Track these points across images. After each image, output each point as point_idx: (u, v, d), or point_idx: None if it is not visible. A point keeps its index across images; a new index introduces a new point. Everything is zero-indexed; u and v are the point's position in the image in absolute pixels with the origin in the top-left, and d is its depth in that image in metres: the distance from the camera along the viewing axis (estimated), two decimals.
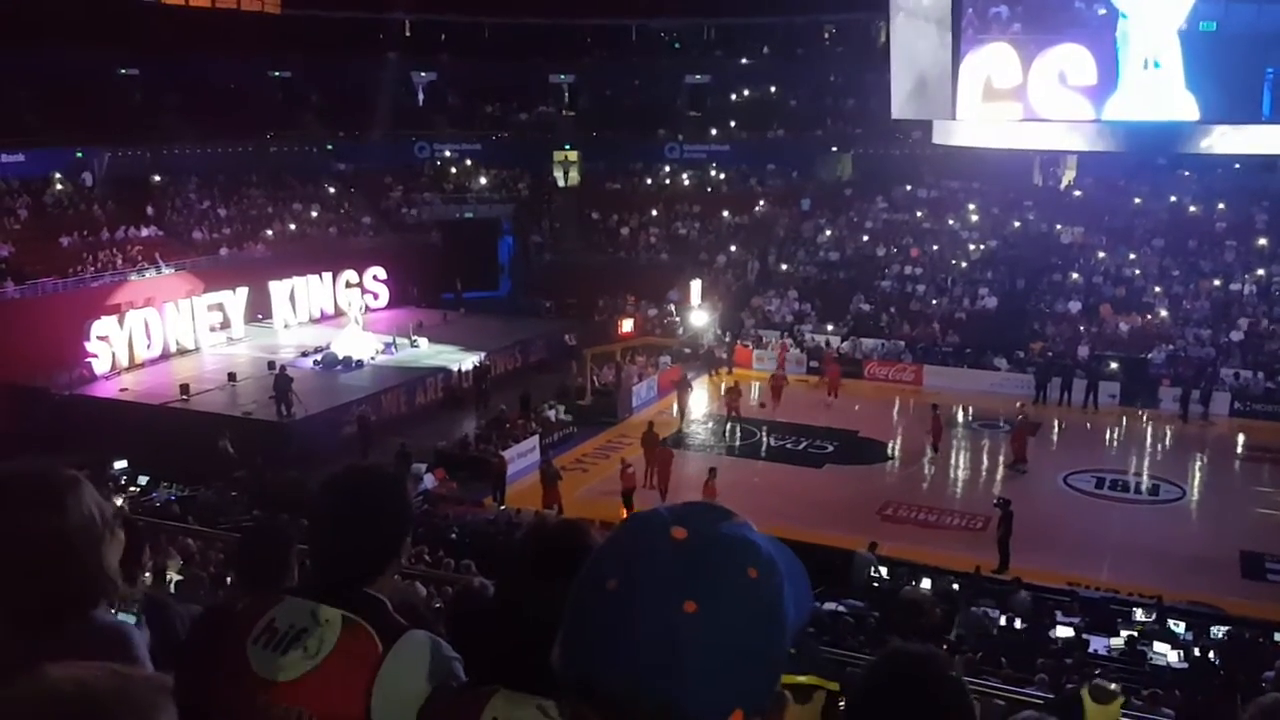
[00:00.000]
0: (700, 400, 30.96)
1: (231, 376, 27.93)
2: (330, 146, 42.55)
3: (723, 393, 29.18)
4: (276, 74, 43.70)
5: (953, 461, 25.80)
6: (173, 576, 12.30)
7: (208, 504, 20.08)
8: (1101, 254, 35.10)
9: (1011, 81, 24.17)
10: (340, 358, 29.83)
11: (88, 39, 33.58)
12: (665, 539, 1.07)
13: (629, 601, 1.04)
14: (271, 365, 27.66)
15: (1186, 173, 37.22)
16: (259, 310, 33.32)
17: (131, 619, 2.55)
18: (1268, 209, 35.27)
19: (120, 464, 21.53)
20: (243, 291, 32.19)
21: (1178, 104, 23.07)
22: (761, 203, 42.64)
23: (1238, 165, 35.71)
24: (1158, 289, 33.13)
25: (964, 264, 36.26)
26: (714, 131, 45.92)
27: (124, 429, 23.83)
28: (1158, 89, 23.10)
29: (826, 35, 46.21)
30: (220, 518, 19.11)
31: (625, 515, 20.46)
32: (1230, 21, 23.04)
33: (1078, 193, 39.41)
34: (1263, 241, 33.93)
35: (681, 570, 1.04)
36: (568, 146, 46.24)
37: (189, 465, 21.61)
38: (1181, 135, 24.07)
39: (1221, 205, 36.15)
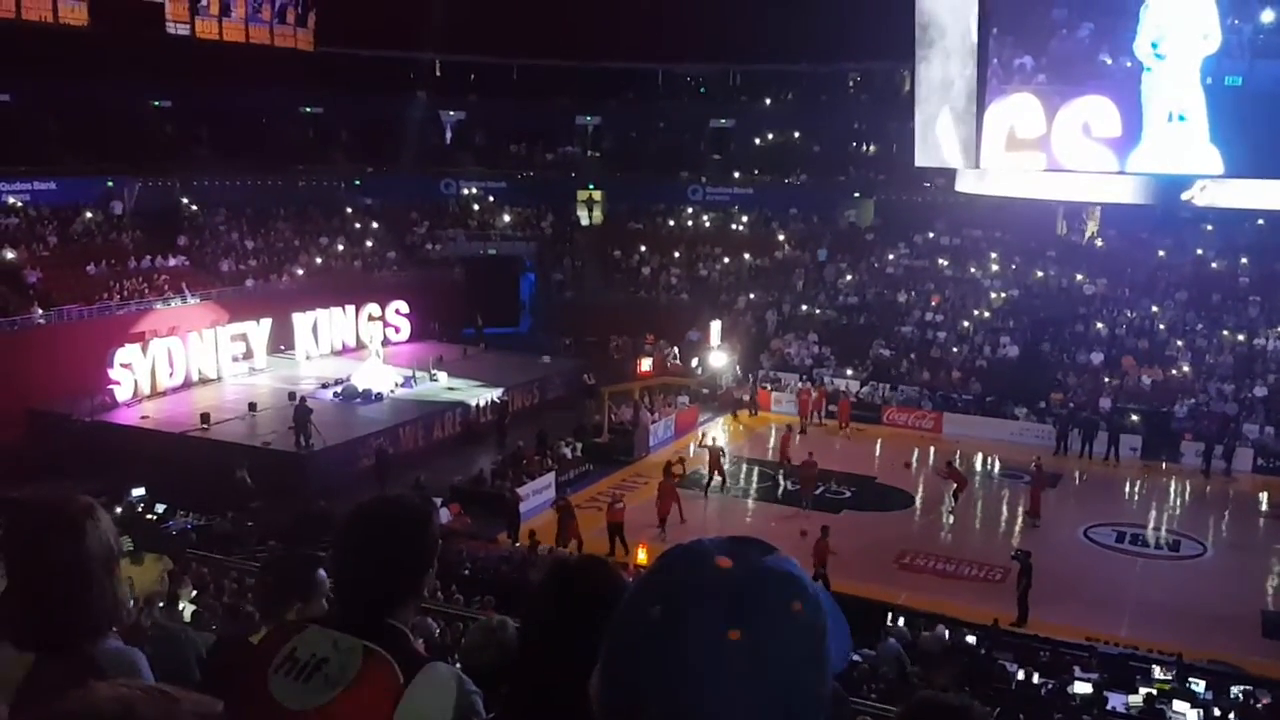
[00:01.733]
0: (719, 441, 30.91)
1: (252, 406, 28.07)
2: (358, 182, 43.05)
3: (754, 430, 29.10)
4: (307, 109, 44.36)
5: (972, 511, 25.57)
6: (186, 605, 12.35)
7: (224, 534, 20.16)
8: (1130, 312, 34.87)
9: (1035, 131, 24.25)
10: (360, 390, 29.96)
11: (122, 71, 34.20)
12: (710, 568, 1.08)
13: (672, 628, 1.04)
14: (292, 396, 27.78)
15: (1209, 227, 37.07)
16: (282, 341, 33.54)
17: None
18: None
19: (138, 491, 21.65)
20: (266, 322, 32.42)
21: (1202, 157, 23.07)
22: (783, 246, 42.74)
23: (1261, 221, 35.55)
24: (1180, 343, 32.92)
25: (985, 312, 36.17)
26: (737, 175, 46.20)
27: (144, 456, 23.99)
28: (1182, 142, 23.12)
29: (851, 83, 46.54)
30: (236, 548, 19.19)
31: (613, 551, 20.54)
32: (1256, 77, 23.08)
33: (1100, 243, 39.34)
34: None
35: (726, 598, 1.05)
36: (591, 186, 46.59)
37: (206, 494, 21.70)
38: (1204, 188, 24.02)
39: (1244, 260, 35.98)
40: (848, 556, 20.82)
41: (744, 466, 28.21)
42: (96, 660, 1.95)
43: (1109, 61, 24.11)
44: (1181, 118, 23.25)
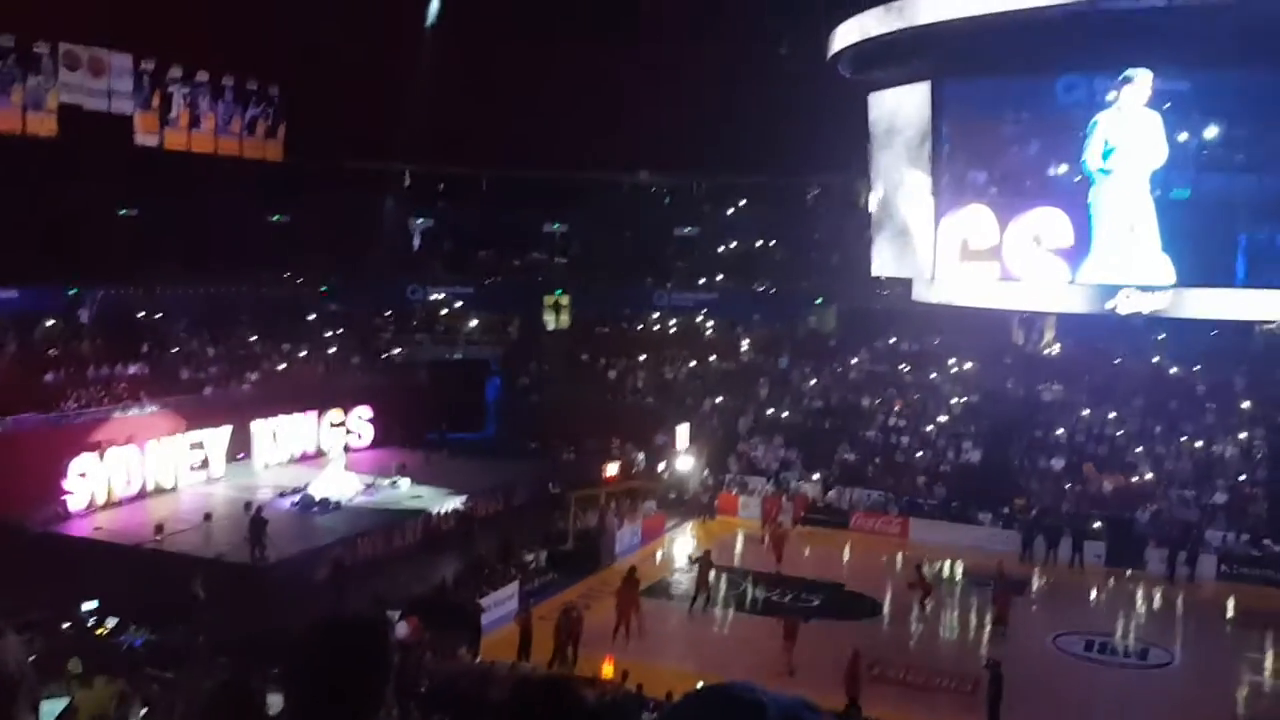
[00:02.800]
0: (686, 548, 30.73)
1: (207, 516, 27.51)
2: (323, 288, 43.12)
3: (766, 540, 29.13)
4: (275, 218, 44.64)
5: (941, 620, 25.36)
6: None
7: (175, 649, 19.52)
8: (1086, 412, 35.33)
9: (988, 242, 24.82)
10: (318, 499, 29.47)
11: (89, 181, 34.32)
12: (748, 701, 1.15)
13: None
14: (248, 506, 27.28)
15: (1162, 336, 37.87)
16: (240, 449, 33.08)
17: None
18: (1246, 373, 35.77)
19: (90, 605, 21.03)
20: (225, 430, 31.98)
21: (1153, 268, 23.67)
22: (749, 351, 43.16)
23: (1215, 331, 36.39)
24: (1139, 449, 33.27)
25: (946, 417, 36.47)
26: (701, 281, 46.86)
27: (96, 568, 23.37)
28: (1133, 253, 23.74)
29: (810, 194, 47.70)
30: (187, 663, 18.58)
31: (574, 661, 20.21)
32: (1202, 189, 23.82)
33: (1057, 347, 39.96)
34: (1246, 404, 34.26)
35: None
36: (559, 291, 46.98)
37: (160, 607, 21.09)
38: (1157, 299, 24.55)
39: (1197, 367, 36.66)
40: (819, 666, 20.53)
41: (711, 574, 27.82)
42: None
43: (1059, 173, 24.88)
44: (1132, 229, 23.93)
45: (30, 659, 2.01)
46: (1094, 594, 27.56)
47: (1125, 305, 23.62)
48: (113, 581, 22.20)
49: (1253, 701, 20.82)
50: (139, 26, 32.93)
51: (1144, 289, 23.36)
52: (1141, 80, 23.09)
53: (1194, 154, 23.93)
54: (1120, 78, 23.22)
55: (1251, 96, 23.13)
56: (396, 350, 42.36)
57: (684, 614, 25.08)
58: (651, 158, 45.00)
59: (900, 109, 26.19)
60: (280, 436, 34.16)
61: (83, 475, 27.65)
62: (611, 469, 34.29)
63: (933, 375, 38.85)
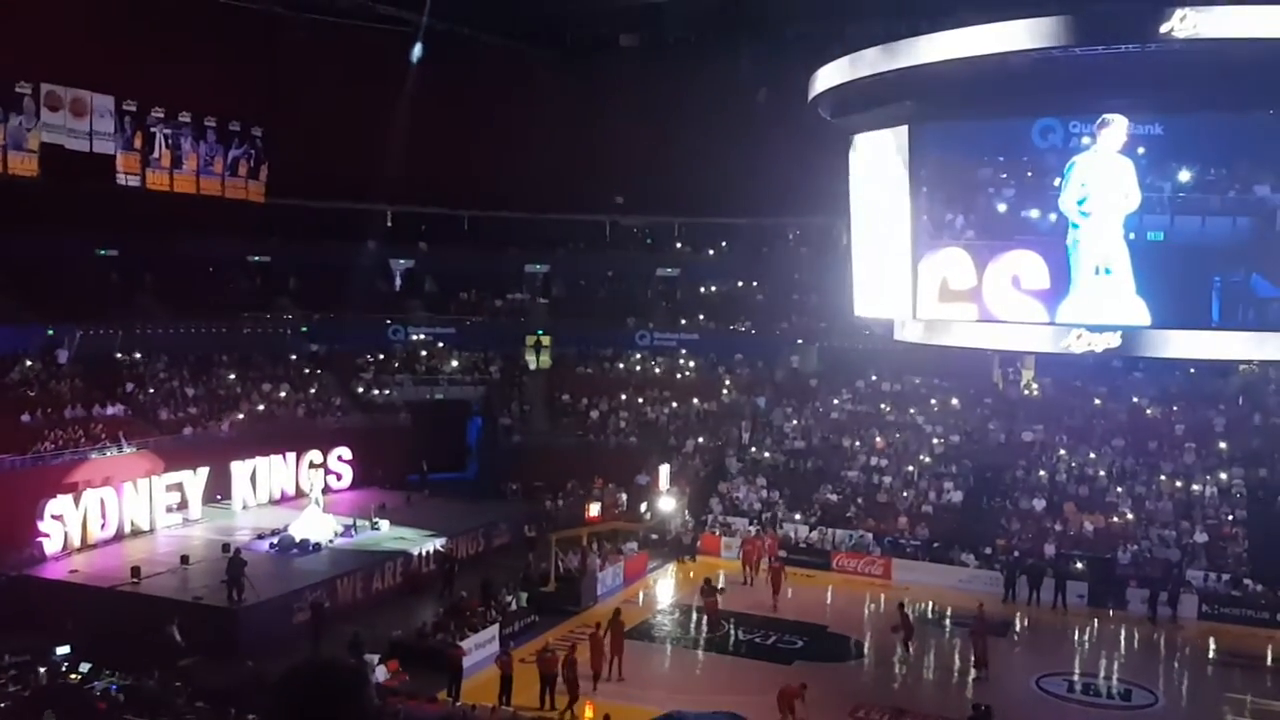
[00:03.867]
0: (668, 589, 30.58)
1: (184, 559, 27.18)
2: (305, 328, 43.03)
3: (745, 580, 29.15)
4: (256, 258, 44.60)
5: (925, 661, 25.25)
6: None
7: (150, 695, 19.23)
8: (1062, 452, 35.52)
9: (966, 284, 24.94)
10: (297, 541, 29.18)
11: (69, 220, 34.23)
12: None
13: None
14: (226, 548, 27.02)
15: (1138, 374, 38.15)
16: (219, 491, 32.77)
17: None
18: (1224, 413, 36.07)
19: (63, 650, 20.74)
20: (203, 471, 31.67)
21: (1129, 309, 23.84)
22: (728, 390, 43.19)
23: (1193, 370, 36.67)
24: (1119, 489, 33.40)
25: (928, 457, 36.55)
26: (683, 321, 46.99)
27: (71, 612, 23.08)
28: (1109, 294, 23.91)
29: (791, 236, 48.04)
30: (163, 710, 18.29)
31: (545, 703, 20.23)
32: (1177, 232, 24.02)
33: (1035, 388, 40.17)
34: (1223, 445, 34.51)
35: None
36: (540, 332, 47.00)
37: (135, 651, 20.81)
38: (1135, 340, 24.72)
39: (1176, 408, 36.92)
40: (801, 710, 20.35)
41: (694, 615, 27.71)
42: None
43: (1035, 216, 25.09)
44: (1108, 271, 24.11)
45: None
46: (1076, 635, 27.52)
47: (1077, 345, 23.77)
48: (88, 625, 21.95)
49: None
50: (121, 68, 33.08)
51: (1094, 329, 23.50)
52: (1118, 123, 23.39)
53: (1169, 197, 24.16)
54: (1097, 121, 23.52)
55: (1224, 140, 23.45)
56: (377, 391, 42.20)
57: (667, 655, 24.94)
58: (633, 200, 45.31)
59: (879, 152, 26.45)
60: (259, 477, 33.88)
61: (58, 517, 27.30)
62: (593, 509, 34.21)
63: (914, 415, 38.96)
